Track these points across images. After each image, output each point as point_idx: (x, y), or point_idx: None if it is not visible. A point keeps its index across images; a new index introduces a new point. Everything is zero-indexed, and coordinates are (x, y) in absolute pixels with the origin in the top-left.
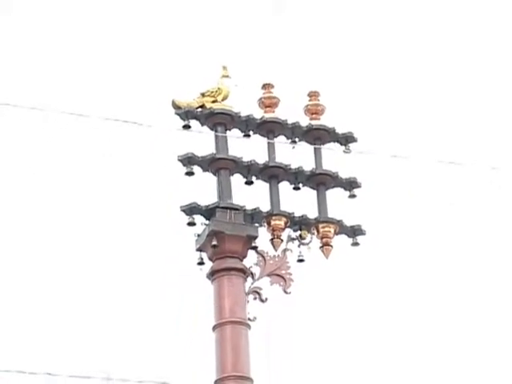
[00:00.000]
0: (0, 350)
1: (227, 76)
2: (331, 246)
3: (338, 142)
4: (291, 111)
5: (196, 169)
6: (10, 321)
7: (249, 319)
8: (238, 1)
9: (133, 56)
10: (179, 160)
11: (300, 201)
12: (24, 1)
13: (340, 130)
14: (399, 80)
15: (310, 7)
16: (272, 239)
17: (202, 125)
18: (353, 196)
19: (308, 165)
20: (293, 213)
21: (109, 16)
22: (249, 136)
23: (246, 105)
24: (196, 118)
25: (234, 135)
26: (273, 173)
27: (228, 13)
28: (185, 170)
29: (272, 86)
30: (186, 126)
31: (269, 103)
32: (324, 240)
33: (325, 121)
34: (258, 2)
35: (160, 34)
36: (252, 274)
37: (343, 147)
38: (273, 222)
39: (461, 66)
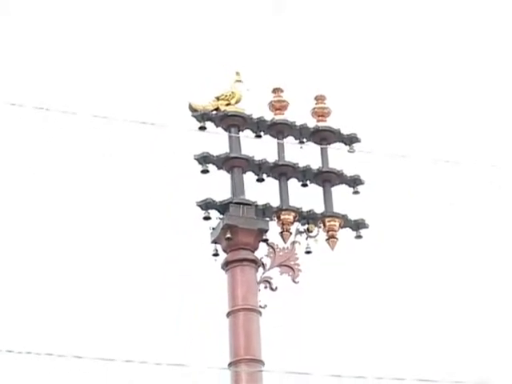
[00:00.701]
0: (31, 333)
1: (240, 81)
2: (336, 239)
3: (342, 142)
4: (299, 113)
5: (211, 167)
6: (43, 306)
7: (260, 306)
8: (244, 5)
9: (152, 63)
10: (195, 159)
11: (307, 197)
12: (33, 2)
13: (345, 131)
14: (401, 82)
15: (315, 11)
16: (281, 232)
17: (217, 126)
18: (356, 192)
19: (315, 163)
20: (301, 208)
21: (128, 24)
22: (260, 137)
23: (257, 108)
24: (211, 119)
25: (246, 136)
26: (282, 171)
27: (237, 17)
28: (201, 168)
29: (281, 91)
30: (202, 128)
31: (278, 106)
32: (330, 233)
33: (330, 122)
34: (262, 5)
35: (175, 40)
36: (263, 264)
37: (347, 147)
38: (282, 217)
39: (461, 67)
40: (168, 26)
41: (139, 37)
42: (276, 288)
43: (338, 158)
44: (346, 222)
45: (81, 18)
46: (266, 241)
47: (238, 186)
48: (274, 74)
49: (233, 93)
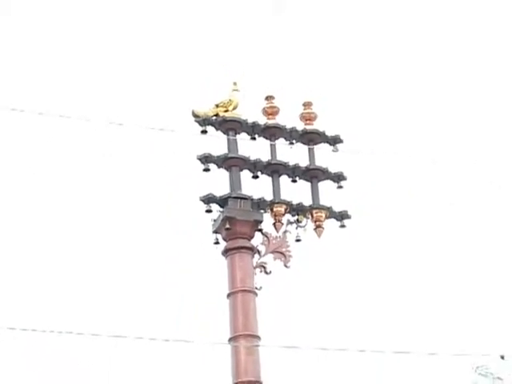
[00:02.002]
0: (62, 313)
1: (237, 90)
2: (323, 228)
3: (327, 142)
4: (289, 118)
5: (212, 166)
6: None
7: (256, 288)
8: (244, 6)
9: (157, 71)
10: (198, 159)
11: (297, 191)
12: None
13: (329, 133)
14: (393, 85)
15: (312, 13)
16: (274, 223)
17: (217, 130)
18: (340, 187)
19: (303, 162)
20: (291, 201)
21: (130, 27)
22: (255, 139)
23: (252, 113)
24: (211, 124)
25: (242, 138)
26: (274, 169)
27: (236, 19)
28: (203, 167)
29: (273, 98)
30: (204, 131)
31: (271, 112)
32: (317, 223)
33: (317, 126)
34: (262, 6)
35: (177, 45)
36: (258, 251)
37: (332, 147)
38: (275, 209)
39: (460, 67)
40: (169, 30)
41: (143, 41)
42: (270, 272)
43: (324, 156)
44: (331, 213)
45: (86, 25)
46: (260, 230)
47: (235, 183)
48: (268, 80)
49: (230, 100)
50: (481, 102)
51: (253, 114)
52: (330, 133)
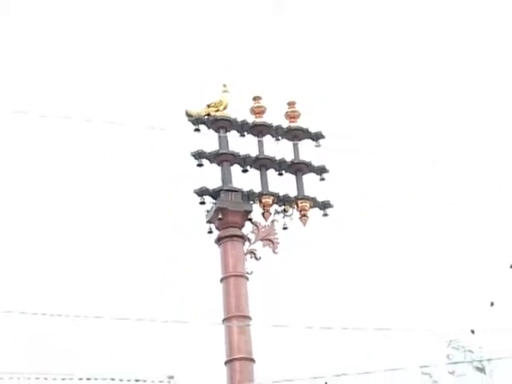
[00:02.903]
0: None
1: (227, 91)
2: (307, 217)
3: (310, 138)
4: (275, 116)
5: (205, 161)
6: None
7: (247, 273)
8: (242, 8)
9: (152, 72)
10: (192, 155)
11: (283, 183)
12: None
13: (312, 130)
14: (387, 83)
15: (310, 14)
16: (263, 213)
17: (209, 128)
18: (323, 179)
19: (288, 156)
20: (278, 193)
21: (127, 28)
22: (244, 136)
23: (241, 112)
24: (204, 123)
25: (232, 136)
26: (262, 163)
27: (231, 29)
28: (196, 162)
29: (260, 98)
30: (197, 130)
31: (258, 111)
32: (302, 212)
33: (300, 123)
34: (261, 7)
35: (171, 47)
36: (248, 239)
37: (315, 143)
38: (263, 200)
39: (460, 67)
40: (166, 31)
41: (141, 43)
42: (260, 258)
43: (307, 151)
44: (314, 203)
45: (84, 26)
46: (250, 220)
47: (226, 177)
48: (257, 81)
49: (221, 101)
50: (481, 102)
51: (242, 113)
52: (313, 129)
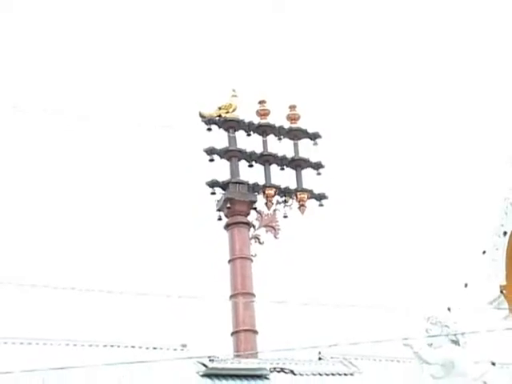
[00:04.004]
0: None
1: (235, 96)
2: (305, 207)
3: (309, 138)
4: (278, 118)
5: (216, 157)
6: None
7: (251, 255)
8: (240, 16)
9: (167, 76)
10: (204, 151)
11: (284, 177)
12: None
13: (310, 131)
14: (385, 82)
15: (307, 16)
16: (266, 203)
17: (219, 128)
18: (319, 174)
19: (289, 153)
20: (280, 185)
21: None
22: (250, 135)
23: (248, 114)
24: (215, 123)
25: (240, 135)
26: (266, 159)
27: (234, 29)
28: (208, 158)
29: (265, 102)
30: (209, 129)
31: (263, 113)
32: (300, 203)
33: (300, 124)
34: (260, 10)
35: (185, 58)
36: (253, 225)
37: (312, 141)
38: (267, 192)
39: (455, 68)
40: (174, 34)
41: (152, 46)
42: (263, 242)
43: (306, 149)
44: (312, 195)
45: (93, 26)
46: (255, 209)
47: (234, 171)
48: (262, 85)
49: (230, 104)
50: (480, 102)
51: (248, 115)
52: (311, 130)
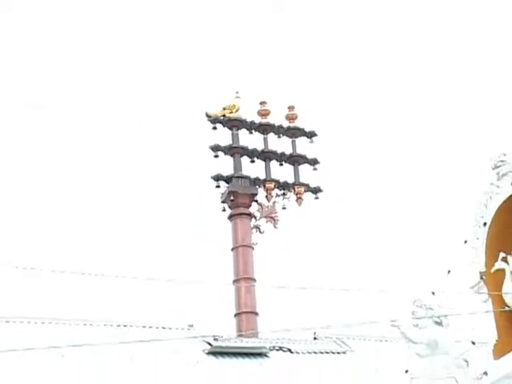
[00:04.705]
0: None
1: (238, 97)
2: (302, 199)
3: (306, 136)
4: (277, 118)
5: (220, 153)
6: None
7: (253, 243)
8: (241, 16)
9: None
10: (210, 148)
11: (283, 172)
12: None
13: (307, 129)
14: (382, 82)
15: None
16: (266, 195)
17: (224, 127)
18: (315, 169)
19: (287, 150)
20: (279, 179)
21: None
22: (252, 133)
23: (250, 114)
24: (220, 122)
25: (243, 133)
26: (267, 155)
27: (236, 28)
28: (213, 154)
29: (266, 103)
30: (214, 128)
31: (264, 113)
32: (298, 195)
33: (298, 123)
34: (258, 20)
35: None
36: (255, 216)
37: (309, 140)
38: (267, 185)
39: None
40: (175, 36)
41: (157, 48)
42: (263, 231)
43: (303, 146)
44: (308, 188)
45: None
46: (256, 201)
47: (237, 166)
48: (263, 86)
49: (234, 105)
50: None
51: (250, 115)
52: (308, 129)
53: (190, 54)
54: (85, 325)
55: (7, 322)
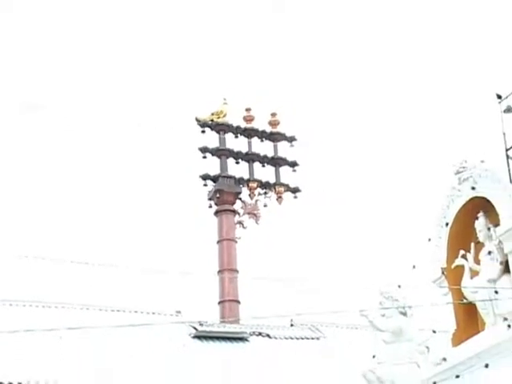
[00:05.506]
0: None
1: (226, 103)
2: (282, 198)
3: (286, 140)
4: (261, 123)
5: (208, 155)
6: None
7: (236, 238)
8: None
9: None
10: (199, 149)
11: (265, 173)
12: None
13: (288, 134)
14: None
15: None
16: (249, 194)
17: (212, 130)
18: (294, 171)
19: (270, 153)
20: (261, 180)
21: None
22: (237, 137)
23: (236, 120)
24: (208, 126)
25: (229, 136)
26: (250, 157)
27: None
28: (202, 155)
29: (250, 109)
30: (203, 131)
31: (248, 119)
32: (278, 194)
33: (279, 129)
34: (258, 20)
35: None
36: (238, 213)
37: (289, 144)
38: (250, 185)
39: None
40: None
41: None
42: (246, 227)
43: (284, 150)
44: (288, 188)
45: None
46: (240, 199)
47: (224, 166)
48: (246, 99)
49: (221, 111)
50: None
51: (236, 120)
52: (288, 134)
53: (184, 61)
54: (81, 309)
55: (10, 305)
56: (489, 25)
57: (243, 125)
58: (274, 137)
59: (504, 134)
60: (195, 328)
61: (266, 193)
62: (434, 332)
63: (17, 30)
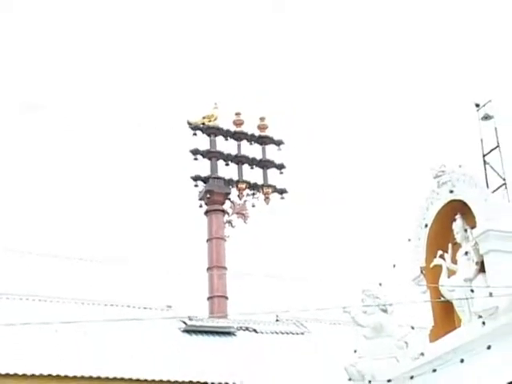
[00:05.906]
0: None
1: (217, 108)
2: (270, 199)
3: (274, 144)
4: (250, 127)
5: (199, 157)
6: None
7: (225, 236)
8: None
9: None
10: (190, 151)
11: (254, 174)
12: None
13: (276, 138)
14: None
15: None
16: (238, 194)
17: (203, 133)
18: (281, 173)
19: (258, 156)
20: (250, 181)
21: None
22: (227, 140)
23: (226, 123)
24: (200, 129)
25: (219, 139)
26: (240, 160)
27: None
28: (193, 157)
29: (240, 114)
30: (194, 134)
31: (238, 123)
32: (266, 195)
33: (268, 132)
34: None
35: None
36: (227, 212)
37: (277, 147)
38: (239, 186)
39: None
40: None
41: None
42: (235, 226)
43: (271, 153)
44: (275, 190)
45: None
46: (229, 199)
47: (214, 168)
48: (236, 104)
49: (212, 114)
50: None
51: (227, 124)
52: (276, 138)
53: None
54: (76, 303)
55: (7, 298)
56: (468, 35)
57: (233, 128)
58: (263, 140)
59: (481, 140)
60: (185, 322)
61: (254, 194)
62: (413, 328)
63: (17, 30)
